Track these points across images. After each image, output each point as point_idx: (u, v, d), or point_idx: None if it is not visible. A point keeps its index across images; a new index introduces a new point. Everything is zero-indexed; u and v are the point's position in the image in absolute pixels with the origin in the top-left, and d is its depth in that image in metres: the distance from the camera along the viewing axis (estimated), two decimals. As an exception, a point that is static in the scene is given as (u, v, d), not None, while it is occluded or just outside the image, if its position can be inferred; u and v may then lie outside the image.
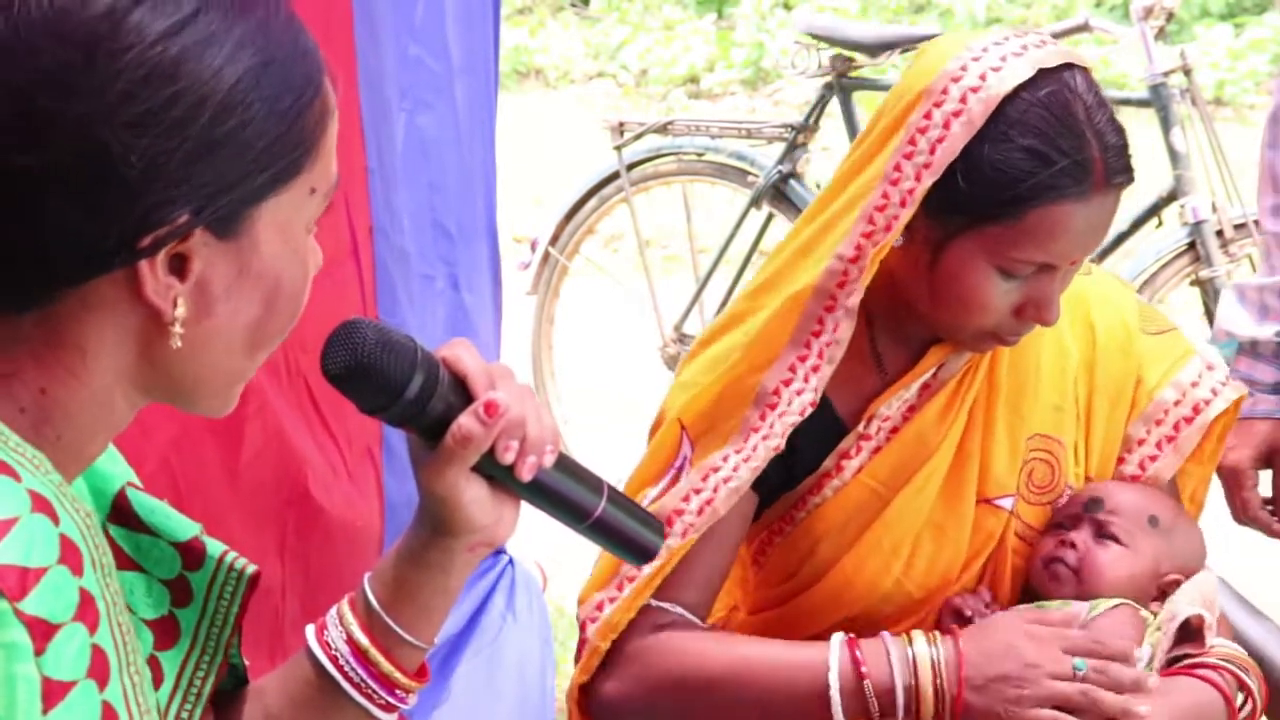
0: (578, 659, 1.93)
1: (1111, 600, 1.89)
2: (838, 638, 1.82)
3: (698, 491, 1.87)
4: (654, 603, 1.88)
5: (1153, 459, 1.99)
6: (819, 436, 1.93)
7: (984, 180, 1.76)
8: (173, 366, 1.16)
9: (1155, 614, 1.91)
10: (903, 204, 1.79)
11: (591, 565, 2.21)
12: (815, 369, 1.87)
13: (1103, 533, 1.92)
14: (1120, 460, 2.00)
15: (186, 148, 1.09)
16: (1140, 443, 2.00)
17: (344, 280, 2.35)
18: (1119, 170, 1.78)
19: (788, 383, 1.87)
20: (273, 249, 1.17)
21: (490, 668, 2.73)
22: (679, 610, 1.89)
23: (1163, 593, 1.93)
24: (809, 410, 1.87)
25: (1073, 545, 1.91)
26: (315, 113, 1.17)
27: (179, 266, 1.12)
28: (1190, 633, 1.89)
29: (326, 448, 2.33)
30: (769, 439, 1.87)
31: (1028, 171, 1.74)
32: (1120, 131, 1.79)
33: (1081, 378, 1.98)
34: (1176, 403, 1.99)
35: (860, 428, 1.92)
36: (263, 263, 1.16)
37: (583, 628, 1.90)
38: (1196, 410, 1.99)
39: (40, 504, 1.07)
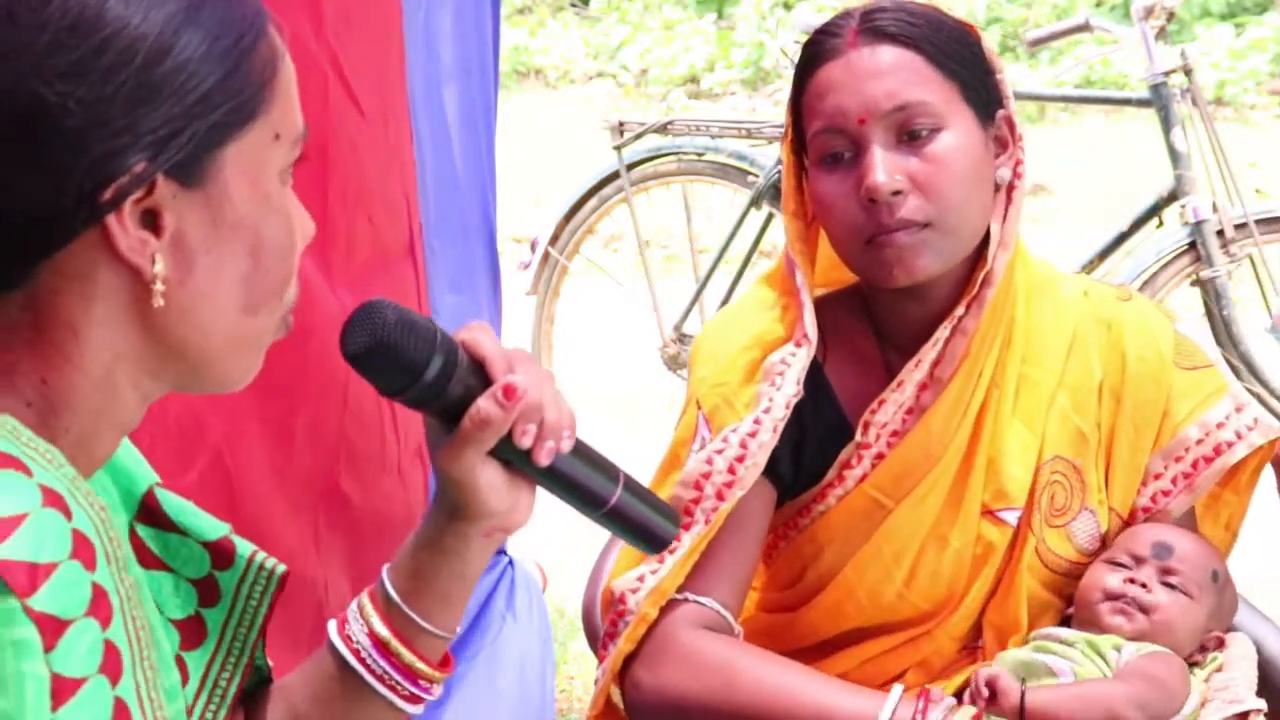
0: (611, 633, 1.88)
1: (1155, 645, 1.84)
2: (898, 690, 1.77)
3: (720, 452, 1.86)
4: (690, 596, 1.86)
5: (1165, 494, 1.95)
6: (828, 442, 1.91)
7: (793, 101, 1.87)
8: (168, 334, 1.16)
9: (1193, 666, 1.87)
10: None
11: (591, 566, 2.21)
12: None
13: (1169, 580, 1.87)
14: (1135, 491, 1.96)
15: (125, 92, 1.09)
16: (1156, 477, 1.95)
17: (403, 277, 2.36)
18: (875, 28, 1.82)
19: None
20: (244, 197, 1.16)
21: (490, 668, 2.73)
22: (714, 605, 1.86)
23: (1203, 648, 1.89)
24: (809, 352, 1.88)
25: (1144, 586, 1.86)
26: (261, 55, 1.17)
27: (151, 222, 1.13)
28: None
29: (388, 442, 2.31)
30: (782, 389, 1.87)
31: (802, 60, 1.85)
32: (898, 9, 1.83)
33: (1108, 405, 1.94)
34: (1199, 441, 1.94)
35: (858, 436, 1.90)
36: (237, 212, 1.16)
37: (621, 599, 1.86)
38: (1218, 451, 1.94)
39: (52, 498, 1.07)
